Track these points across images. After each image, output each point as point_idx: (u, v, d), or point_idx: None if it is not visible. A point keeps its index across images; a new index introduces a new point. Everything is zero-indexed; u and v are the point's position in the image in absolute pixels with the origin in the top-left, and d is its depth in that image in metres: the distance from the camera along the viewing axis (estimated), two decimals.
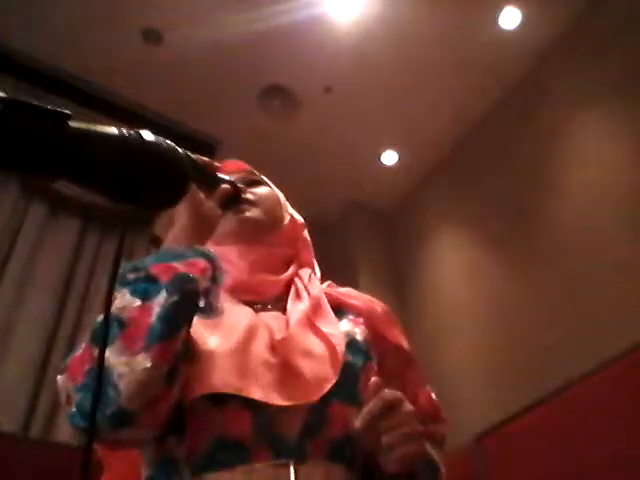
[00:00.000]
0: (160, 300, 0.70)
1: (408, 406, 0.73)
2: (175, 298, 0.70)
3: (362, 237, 4.08)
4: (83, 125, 0.56)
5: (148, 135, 0.64)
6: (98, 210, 3.20)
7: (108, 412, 0.66)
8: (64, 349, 2.85)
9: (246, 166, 1.09)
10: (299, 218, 1.09)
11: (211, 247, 0.94)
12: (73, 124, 0.55)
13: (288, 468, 0.71)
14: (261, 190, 1.03)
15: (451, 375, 3.22)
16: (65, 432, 2.67)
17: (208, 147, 3.51)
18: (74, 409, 0.68)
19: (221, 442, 0.73)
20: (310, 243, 1.10)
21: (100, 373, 0.57)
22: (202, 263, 0.75)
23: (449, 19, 3.12)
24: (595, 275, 2.65)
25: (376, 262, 4.01)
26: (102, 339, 0.59)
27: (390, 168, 3.94)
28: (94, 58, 3.23)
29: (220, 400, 0.73)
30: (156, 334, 0.68)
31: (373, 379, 0.74)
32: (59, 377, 0.72)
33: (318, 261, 1.10)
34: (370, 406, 0.72)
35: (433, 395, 0.97)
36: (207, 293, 0.75)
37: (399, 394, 0.73)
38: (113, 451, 0.85)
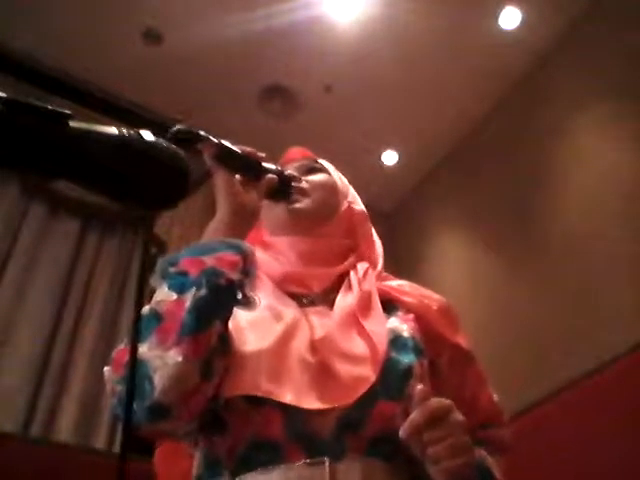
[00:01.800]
0: (191, 294, 0.70)
1: (456, 416, 0.70)
2: (203, 292, 0.70)
3: None
4: (83, 125, 0.56)
5: (148, 135, 0.64)
6: (98, 210, 3.20)
7: (145, 405, 0.67)
8: (64, 349, 2.86)
9: (307, 153, 1.07)
10: (359, 207, 1.06)
11: (265, 237, 0.96)
12: (73, 124, 0.55)
13: (323, 466, 0.70)
14: (317, 178, 1.00)
15: None
16: (65, 432, 2.67)
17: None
18: (115, 400, 0.70)
19: (256, 443, 0.73)
20: (373, 234, 1.07)
21: (133, 369, 0.57)
22: (232, 256, 0.75)
23: (449, 19, 3.12)
24: (595, 275, 2.65)
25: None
26: (133, 336, 0.59)
27: (390, 168, 3.94)
28: (94, 58, 3.23)
29: (255, 400, 0.73)
30: (186, 328, 0.68)
31: (419, 387, 0.71)
32: (105, 369, 0.74)
33: None
34: (414, 416, 0.69)
35: (495, 396, 0.94)
36: (241, 286, 0.75)
37: (447, 403, 0.70)
38: (161, 443, 0.85)
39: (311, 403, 0.72)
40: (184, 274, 0.72)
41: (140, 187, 0.63)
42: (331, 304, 0.88)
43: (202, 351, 0.69)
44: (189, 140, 0.85)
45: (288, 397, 0.72)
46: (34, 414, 2.64)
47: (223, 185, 0.84)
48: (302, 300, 0.89)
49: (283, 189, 0.92)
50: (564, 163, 3.06)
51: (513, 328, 3.01)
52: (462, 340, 0.92)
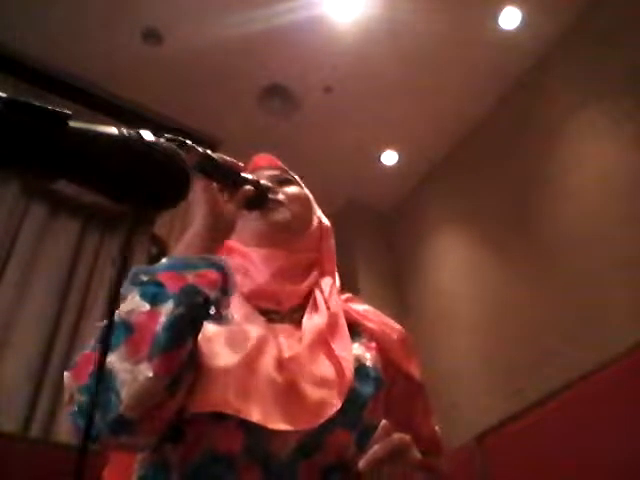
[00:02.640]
0: (167, 309, 0.68)
1: (415, 453, 0.72)
2: (181, 310, 0.68)
3: (362, 237, 4.08)
4: (83, 125, 0.56)
5: (148, 135, 0.64)
6: (98, 210, 3.20)
7: (108, 418, 0.65)
8: (64, 349, 2.86)
9: (278, 162, 1.06)
10: (326, 222, 1.06)
11: (237, 246, 0.94)
12: (73, 124, 0.55)
13: None
14: (292, 190, 1.00)
15: (451, 375, 3.22)
16: (65, 432, 2.67)
17: (208, 147, 3.51)
18: (75, 408, 0.68)
19: (212, 456, 0.72)
20: (334, 250, 1.06)
21: (99, 376, 0.56)
22: (213, 275, 0.73)
23: (449, 19, 3.12)
24: (595, 275, 2.65)
25: (376, 262, 4.01)
26: (104, 341, 0.58)
27: (390, 168, 3.94)
28: (94, 58, 3.23)
29: (218, 416, 0.72)
30: (160, 344, 0.67)
31: (383, 422, 0.71)
32: (66, 373, 0.71)
33: None
34: (376, 449, 0.69)
35: (437, 428, 0.96)
36: (216, 304, 0.73)
37: (408, 439, 0.71)
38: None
39: (277, 424, 0.72)
40: (159, 286, 0.70)
41: (140, 187, 0.63)
42: (297, 322, 0.88)
43: (173, 368, 0.68)
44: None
45: (256, 416, 0.71)
46: (34, 414, 2.65)
47: (203, 194, 0.83)
48: (272, 316, 0.88)
49: (260, 200, 0.91)
50: (564, 163, 3.06)
51: (512, 328, 3.01)
52: (416, 371, 0.94)
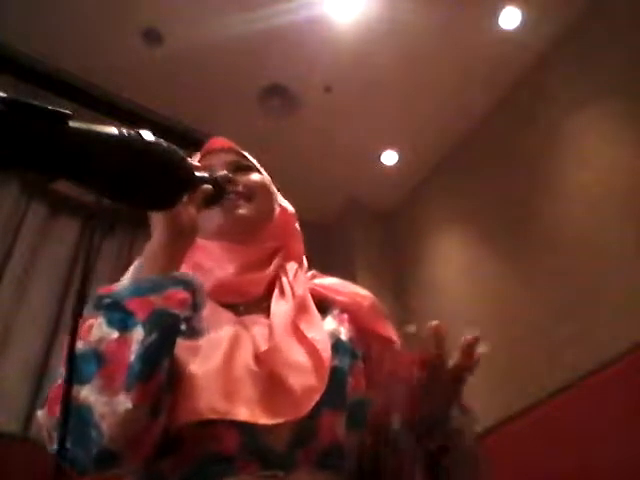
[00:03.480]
0: (137, 336, 0.66)
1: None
2: (154, 337, 0.66)
3: (362, 237, 4.07)
4: (83, 125, 0.56)
5: (148, 135, 0.64)
6: (98, 210, 3.20)
7: (92, 453, 0.64)
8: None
9: (233, 145, 1.01)
10: (289, 207, 1.03)
11: (198, 241, 0.88)
12: (73, 124, 0.55)
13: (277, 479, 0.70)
14: (253, 178, 0.96)
15: None
16: None
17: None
18: (56, 447, 0.65)
19: (209, 457, 0.72)
20: (299, 234, 1.03)
21: (66, 406, 0.54)
22: (181, 294, 0.70)
23: (449, 19, 3.12)
24: (595, 275, 2.65)
25: (376, 262, 4.00)
26: (67, 370, 0.55)
27: (390, 168, 3.93)
28: (94, 58, 3.23)
29: (209, 422, 0.71)
30: (136, 374, 0.64)
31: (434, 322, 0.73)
32: (39, 412, 0.69)
33: (317, 261, 1.07)
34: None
35: None
36: (189, 320, 0.71)
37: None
38: None
39: (266, 419, 0.72)
40: (127, 312, 0.68)
41: (140, 187, 0.63)
42: (266, 311, 0.86)
43: (153, 395, 0.66)
44: None
45: (243, 414, 0.71)
46: (34, 414, 2.64)
47: None
48: (239, 308, 0.87)
49: (218, 195, 0.84)
50: (564, 163, 3.06)
51: (513, 328, 3.00)
52: (391, 333, 0.93)
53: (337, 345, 0.84)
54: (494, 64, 3.33)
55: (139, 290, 0.70)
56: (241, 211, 0.92)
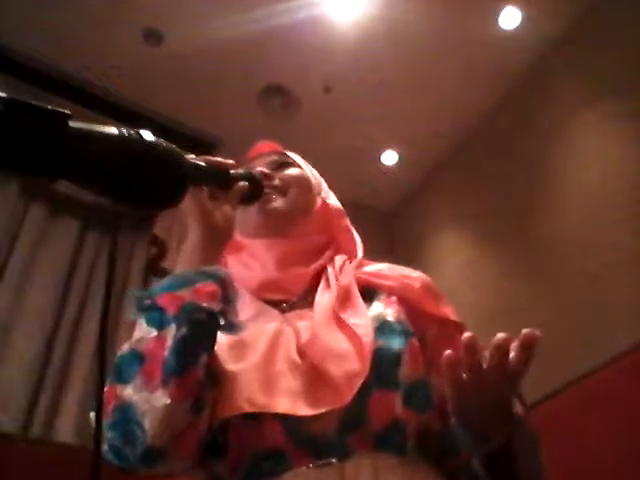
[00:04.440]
0: (172, 332, 0.67)
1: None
2: (184, 331, 0.67)
3: (362, 237, 4.06)
4: (83, 125, 0.56)
5: (148, 135, 0.64)
6: (98, 210, 3.20)
7: (138, 451, 0.65)
8: (64, 349, 2.86)
9: (277, 147, 1.03)
10: (334, 203, 1.02)
11: (241, 241, 0.92)
12: (73, 124, 0.55)
13: (331, 467, 0.69)
14: (289, 173, 0.97)
15: None
16: (65, 432, 2.67)
17: (208, 147, 3.51)
18: (107, 447, 0.68)
19: (260, 454, 0.71)
20: (350, 229, 1.03)
21: (100, 400, 0.55)
22: (210, 287, 0.71)
23: (449, 19, 3.12)
24: (595, 275, 2.65)
25: (376, 262, 3.99)
26: (100, 363, 0.55)
27: (390, 168, 3.94)
28: (94, 58, 3.23)
29: (252, 417, 0.71)
30: (170, 369, 0.66)
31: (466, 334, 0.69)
32: (91, 414, 0.70)
33: None
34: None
35: None
36: (224, 313, 0.72)
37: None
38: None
39: (306, 410, 0.71)
40: (161, 310, 0.69)
41: (140, 187, 0.63)
42: (311, 305, 0.86)
43: (191, 389, 0.67)
44: None
45: (282, 407, 0.70)
46: (34, 414, 2.64)
47: (193, 205, 0.78)
48: (282, 306, 0.87)
49: (255, 191, 0.88)
50: (564, 163, 3.06)
51: (513, 328, 3.00)
52: (447, 311, 0.90)
53: (383, 327, 0.81)
54: (494, 64, 3.33)
55: (169, 286, 0.71)
56: (274, 205, 0.92)
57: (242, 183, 0.84)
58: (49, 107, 0.52)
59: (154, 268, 3.10)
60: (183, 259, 0.78)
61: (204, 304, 0.70)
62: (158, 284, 0.74)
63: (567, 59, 3.17)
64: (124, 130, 0.61)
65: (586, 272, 2.71)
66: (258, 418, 0.71)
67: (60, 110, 0.53)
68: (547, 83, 3.26)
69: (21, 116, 0.50)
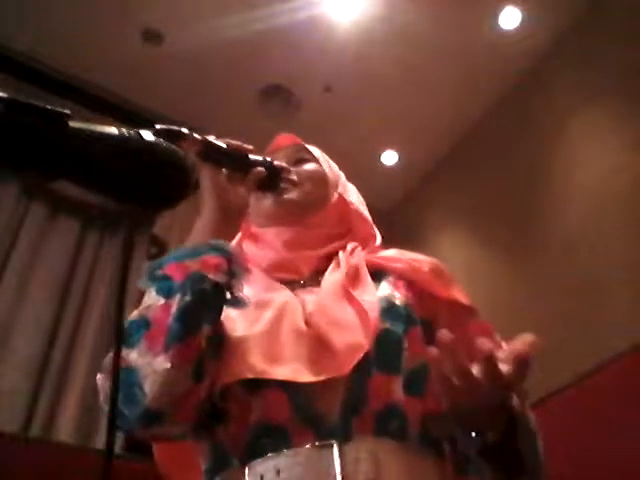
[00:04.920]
0: (176, 300, 0.70)
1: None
2: (188, 298, 0.70)
3: None
4: (83, 125, 0.56)
5: (148, 135, 0.64)
6: (98, 210, 3.20)
7: (136, 412, 0.67)
8: (64, 349, 2.86)
9: (296, 140, 1.05)
10: (352, 197, 1.03)
11: (253, 229, 0.95)
12: (73, 124, 0.55)
13: (332, 448, 0.69)
14: (306, 168, 0.99)
15: None
16: (65, 432, 2.67)
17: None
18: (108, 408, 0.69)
19: (262, 428, 0.72)
20: (369, 220, 1.04)
21: (116, 373, 0.56)
22: (215, 259, 0.74)
23: (449, 19, 3.12)
24: (595, 275, 2.65)
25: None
26: (116, 340, 0.58)
27: (390, 168, 3.94)
28: (94, 58, 3.23)
29: (255, 385, 0.72)
30: (173, 335, 0.68)
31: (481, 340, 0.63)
32: (99, 376, 0.74)
33: None
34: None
35: (504, 344, 0.88)
36: (229, 287, 0.74)
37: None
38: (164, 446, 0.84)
39: (306, 376, 0.72)
40: (169, 279, 0.72)
41: (140, 187, 0.63)
42: (321, 284, 0.87)
43: (191, 356, 0.69)
44: (169, 138, 0.83)
45: (283, 373, 0.71)
46: (34, 414, 2.64)
47: (209, 183, 0.83)
48: (293, 285, 0.88)
49: (272, 180, 0.90)
50: (564, 163, 3.06)
51: (513, 328, 3.00)
52: (459, 295, 0.88)
53: (390, 309, 0.82)
54: (494, 64, 3.33)
55: (178, 256, 0.75)
56: (289, 195, 0.94)
57: (259, 169, 0.86)
58: (49, 107, 0.52)
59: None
60: (195, 234, 0.80)
61: (210, 274, 0.72)
62: (168, 254, 0.77)
63: (567, 59, 3.17)
64: (124, 130, 0.61)
65: (586, 271, 2.71)
66: (260, 388, 0.72)
67: (60, 110, 0.53)
68: (547, 83, 3.26)
69: (21, 116, 0.50)
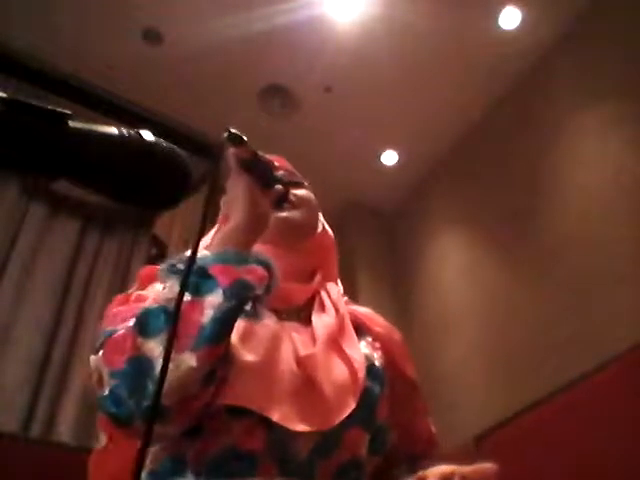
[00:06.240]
0: (214, 301, 0.69)
1: None
2: (233, 303, 0.69)
3: (362, 237, 4.08)
4: (83, 125, 0.56)
5: (148, 135, 0.64)
6: (98, 210, 3.20)
7: (144, 404, 0.65)
8: (64, 349, 2.86)
9: (288, 165, 1.06)
10: (330, 231, 1.07)
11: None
12: (73, 124, 0.55)
13: None
14: (301, 193, 1.01)
15: (450, 375, 3.22)
16: (65, 432, 2.67)
17: (208, 147, 3.51)
18: (107, 393, 0.68)
19: (232, 452, 0.73)
20: (337, 261, 1.07)
21: (165, 366, 0.54)
22: (261, 271, 0.74)
23: (449, 19, 3.12)
24: (595, 275, 2.65)
25: (376, 262, 4.01)
26: (170, 331, 0.58)
27: (390, 168, 3.94)
28: (94, 58, 3.23)
29: (239, 411, 0.72)
30: (207, 336, 0.67)
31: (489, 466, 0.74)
32: (92, 357, 0.72)
33: None
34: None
35: (432, 428, 0.97)
36: (258, 300, 0.75)
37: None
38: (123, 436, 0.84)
39: (296, 424, 0.73)
40: (208, 277, 0.71)
41: (140, 187, 0.63)
42: (304, 321, 0.89)
43: (214, 360, 0.68)
44: (234, 142, 0.87)
45: (277, 415, 0.72)
46: (34, 414, 2.65)
47: (246, 191, 0.82)
48: (281, 315, 0.89)
49: (279, 200, 0.92)
50: (564, 163, 3.06)
51: (513, 328, 3.01)
52: (413, 372, 0.96)
53: (371, 369, 0.86)
54: (494, 64, 3.34)
55: (224, 259, 0.73)
56: (291, 213, 0.96)
57: (280, 187, 0.89)
58: (49, 107, 0.52)
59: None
60: (227, 236, 0.79)
61: (255, 285, 0.72)
62: (206, 255, 0.74)
63: (567, 59, 3.17)
64: (124, 130, 0.61)
65: (586, 272, 2.71)
66: (245, 416, 0.73)
67: (60, 110, 0.53)
68: (547, 83, 3.27)
69: (21, 116, 0.50)
